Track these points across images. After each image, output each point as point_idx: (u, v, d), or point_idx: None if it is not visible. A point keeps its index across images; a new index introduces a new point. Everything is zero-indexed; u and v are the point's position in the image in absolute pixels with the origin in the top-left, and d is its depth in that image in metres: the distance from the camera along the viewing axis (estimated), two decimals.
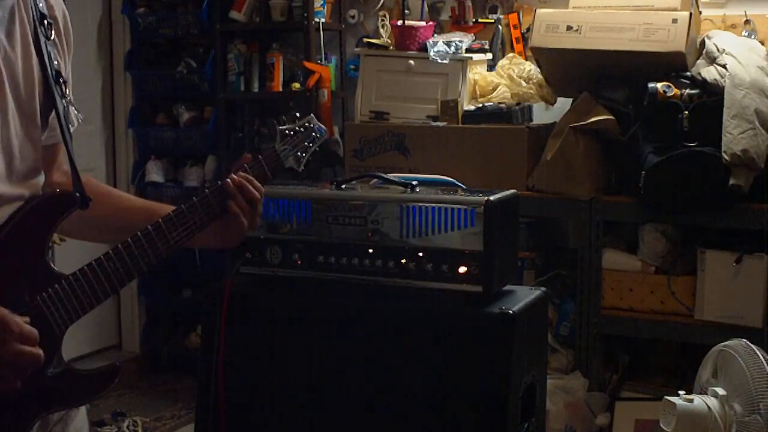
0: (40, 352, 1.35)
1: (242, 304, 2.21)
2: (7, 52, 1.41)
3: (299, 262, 2.21)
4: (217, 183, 1.60)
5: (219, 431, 2.20)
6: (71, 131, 1.52)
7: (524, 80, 3.85)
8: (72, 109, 1.53)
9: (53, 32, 1.49)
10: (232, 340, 2.19)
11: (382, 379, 2.12)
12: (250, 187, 1.60)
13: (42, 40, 1.47)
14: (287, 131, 1.71)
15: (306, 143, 1.72)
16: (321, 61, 4.41)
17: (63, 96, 1.50)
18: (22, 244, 1.43)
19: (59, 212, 1.47)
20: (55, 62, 1.49)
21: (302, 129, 1.72)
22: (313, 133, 1.73)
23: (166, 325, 5.02)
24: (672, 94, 3.38)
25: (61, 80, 1.50)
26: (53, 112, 1.51)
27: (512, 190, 2.24)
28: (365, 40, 4.24)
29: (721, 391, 2.56)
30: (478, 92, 3.93)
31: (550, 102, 3.89)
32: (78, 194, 1.48)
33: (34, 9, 1.46)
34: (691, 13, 3.48)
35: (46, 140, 1.52)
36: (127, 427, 4.12)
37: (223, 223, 1.61)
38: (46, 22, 1.48)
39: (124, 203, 1.68)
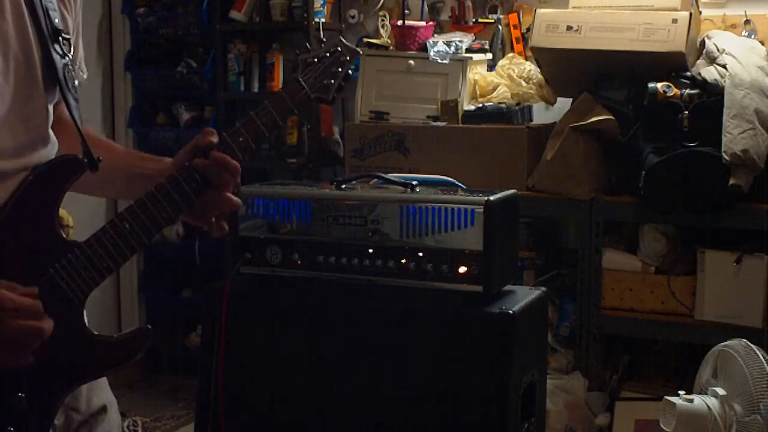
0: (42, 324, 1.31)
1: (242, 304, 2.21)
2: None
3: (299, 262, 2.21)
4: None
5: (219, 431, 2.20)
6: (76, 89, 1.45)
7: (524, 80, 3.85)
8: (77, 66, 1.46)
9: None
10: (232, 340, 2.19)
11: (382, 379, 2.12)
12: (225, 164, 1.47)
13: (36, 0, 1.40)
14: (310, 59, 1.57)
15: (333, 69, 1.57)
16: None
17: (63, 54, 1.43)
18: (31, 216, 1.39)
19: (66, 178, 1.41)
20: (56, 21, 1.43)
21: (327, 54, 1.57)
22: (341, 57, 1.57)
23: (166, 325, 5.02)
24: (672, 94, 3.38)
25: (61, 38, 1.43)
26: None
27: (512, 190, 2.24)
28: (365, 40, 4.24)
29: (721, 391, 2.56)
30: (478, 92, 3.93)
31: (550, 102, 3.89)
32: (86, 158, 1.42)
33: None
34: (691, 13, 3.48)
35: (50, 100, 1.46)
36: (127, 427, 4.11)
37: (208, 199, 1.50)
38: None
39: (122, 153, 1.63)
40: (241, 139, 1.50)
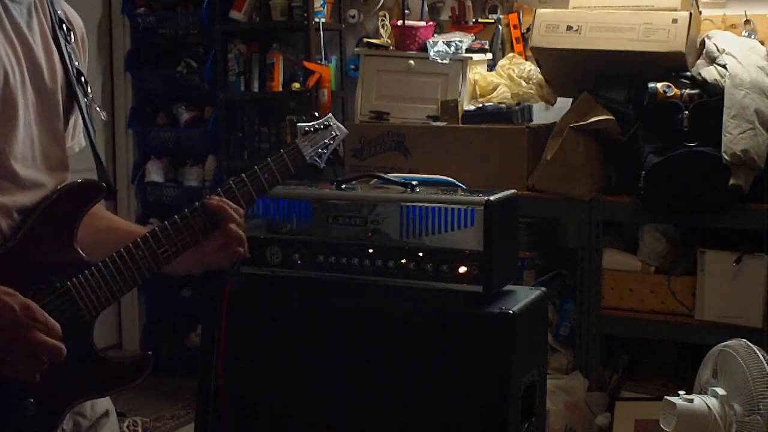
0: (63, 346, 1.36)
1: (242, 304, 2.21)
2: (29, 40, 1.45)
3: (299, 262, 2.22)
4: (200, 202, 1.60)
5: (219, 431, 2.20)
6: (95, 128, 1.57)
7: (524, 80, 3.85)
8: (95, 107, 1.58)
9: (72, 37, 1.54)
10: (232, 340, 2.19)
11: (382, 378, 2.12)
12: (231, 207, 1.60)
13: (62, 41, 1.51)
14: (307, 128, 1.75)
15: (326, 141, 1.76)
16: (321, 61, 4.41)
17: (86, 94, 1.54)
18: (52, 231, 1.46)
19: (87, 200, 1.50)
20: (76, 63, 1.53)
21: (322, 126, 1.76)
22: (332, 132, 1.77)
23: (166, 324, 5.02)
24: (672, 94, 3.38)
25: (83, 79, 1.54)
26: (73, 116, 1.55)
27: (512, 190, 2.24)
28: (365, 40, 4.24)
29: (721, 391, 2.56)
30: (478, 92, 3.93)
31: (550, 102, 3.89)
32: (105, 185, 1.51)
33: (52, 12, 1.50)
34: (691, 13, 3.48)
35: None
36: (127, 427, 4.11)
37: (212, 244, 1.62)
38: (65, 26, 1.52)
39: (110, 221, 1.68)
40: (244, 188, 1.62)
